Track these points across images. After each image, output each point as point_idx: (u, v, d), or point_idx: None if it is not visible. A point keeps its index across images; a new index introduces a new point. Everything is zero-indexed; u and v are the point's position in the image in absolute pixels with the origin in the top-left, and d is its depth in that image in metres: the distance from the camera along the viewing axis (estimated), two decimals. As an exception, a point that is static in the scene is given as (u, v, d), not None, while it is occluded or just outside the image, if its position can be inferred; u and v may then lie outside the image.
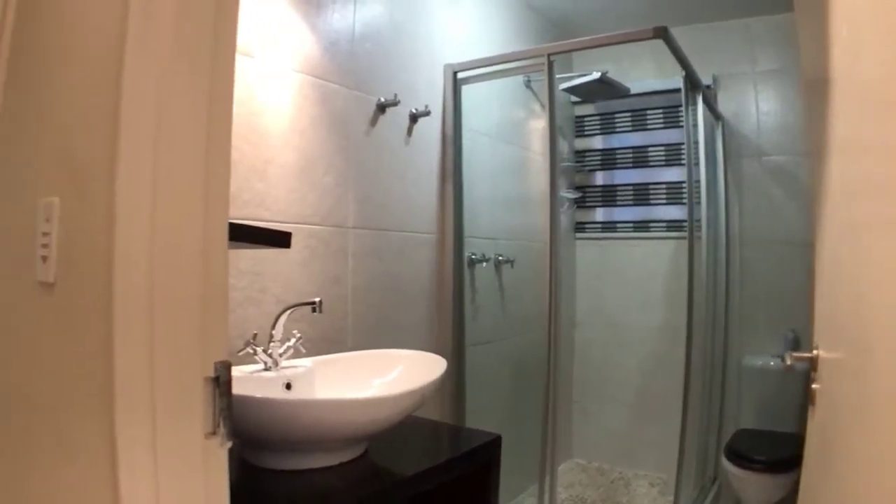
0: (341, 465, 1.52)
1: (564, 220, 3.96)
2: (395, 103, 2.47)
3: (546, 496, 2.59)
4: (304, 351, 1.83)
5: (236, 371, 0.94)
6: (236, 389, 0.96)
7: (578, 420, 4.06)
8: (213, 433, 0.91)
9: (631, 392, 3.88)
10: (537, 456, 2.61)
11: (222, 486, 0.94)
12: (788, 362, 1.39)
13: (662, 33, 2.41)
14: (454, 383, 2.84)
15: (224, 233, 0.92)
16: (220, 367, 0.91)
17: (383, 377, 1.84)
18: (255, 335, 1.72)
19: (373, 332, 2.39)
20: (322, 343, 2.14)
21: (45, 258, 1.02)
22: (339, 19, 2.28)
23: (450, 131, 2.85)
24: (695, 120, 3.01)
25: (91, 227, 0.90)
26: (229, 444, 0.93)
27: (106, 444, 0.85)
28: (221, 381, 0.91)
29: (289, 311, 1.74)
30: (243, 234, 1.34)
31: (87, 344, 0.90)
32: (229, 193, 0.94)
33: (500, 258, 3.20)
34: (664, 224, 3.80)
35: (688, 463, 2.74)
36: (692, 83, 2.86)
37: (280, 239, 1.46)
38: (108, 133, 0.87)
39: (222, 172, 0.92)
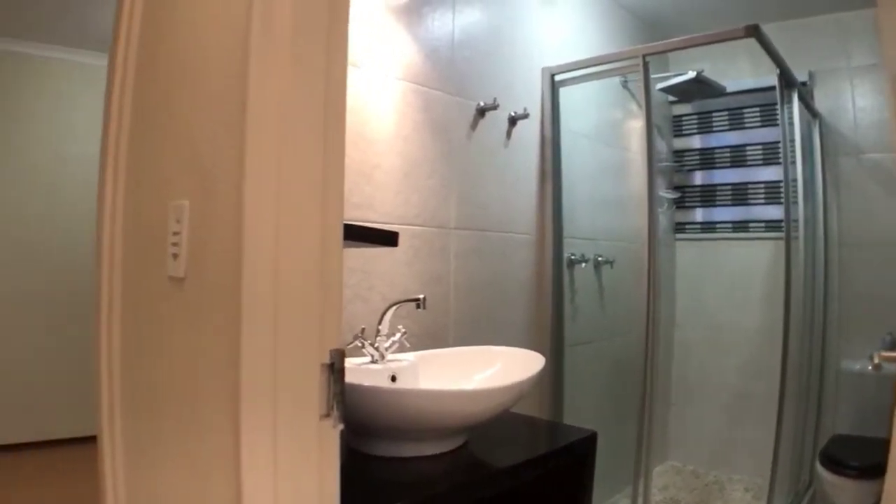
0: (442, 454, 1.58)
1: (664, 220, 3.94)
2: (494, 107, 2.54)
3: (640, 498, 2.59)
4: (408, 346, 1.92)
5: (345, 363, 1.02)
6: (345, 379, 1.04)
7: (675, 422, 4.03)
8: (327, 415, 0.99)
9: (728, 394, 3.82)
10: (632, 457, 2.62)
11: (334, 464, 1.02)
12: (876, 361, 1.38)
13: (754, 32, 2.39)
14: (552, 382, 2.88)
15: (339, 232, 1.00)
16: (334, 355, 0.99)
17: (483, 372, 1.90)
18: (363, 330, 1.82)
19: (473, 329, 2.46)
20: (425, 339, 2.22)
21: (175, 255, 1.13)
22: (439, 27, 2.36)
23: (548, 133, 2.89)
24: (790, 118, 2.97)
25: (220, 228, 1.00)
26: (341, 427, 1.01)
27: (231, 422, 0.94)
28: (335, 368, 0.99)
29: (394, 307, 1.84)
30: (355, 234, 1.42)
31: (216, 332, 1.00)
32: (344, 196, 1.02)
33: (600, 259, 3.22)
34: (763, 224, 3.74)
35: (782, 468, 2.71)
36: (786, 81, 2.82)
37: (389, 238, 1.55)
38: (234, 143, 0.96)
39: (338, 177, 1.01)
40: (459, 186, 2.42)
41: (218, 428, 0.99)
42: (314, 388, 0.97)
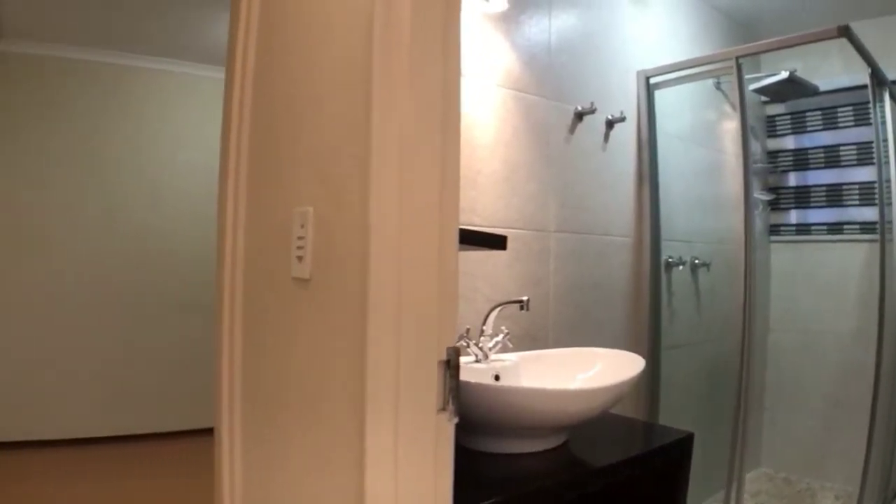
0: (544, 451, 1.62)
1: (759, 222, 3.88)
2: (591, 111, 2.56)
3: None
4: (511, 346, 1.96)
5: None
6: (455, 377, 1.09)
7: (768, 427, 3.95)
8: (444, 409, 1.05)
9: (821, 400, 3.71)
10: (724, 463, 2.60)
11: (449, 456, 1.07)
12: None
13: (845, 32, 2.36)
14: (648, 384, 2.88)
15: (455, 236, 1.06)
16: (451, 352, 1.04)
17: (585, 373, 1.93)
18: (468, 330, 1.88)
19: (572, 330, 2.49)
20: (525, 340, 2.26)
21: (300, 258, 1.20)
22: (536, 34, 2.39)
23: (645, 136, 2.90)
24: (883, 117, 2.88)
25: (345, 233, 1.07)
26: (456, 420, 1.06)
27: (355, 417, 1.01)
28: (451, 365, 1.04)
29: (499, 309, 1.89)
30: (467, 238, 1.48)
31: (341, 330, 1.06)
32: (459, 202, 1.08)
33: (697, 261, 3.20)
34: (857, 226, 3.63)
35: (873, 475, 2.64)
36: (878, 79, 2.75)
37: (497, 241, 1.60)
38: (359, 155, 1.02)
39: (453, 184, 1.06)
40: (558, 190, 2.46)
41: (341, 422, 1.06)
42: (433, 384, 1.03)
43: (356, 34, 1.08)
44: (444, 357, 1.04)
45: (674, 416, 2.89)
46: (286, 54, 1.40)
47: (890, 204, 2.91)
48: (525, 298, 1.85)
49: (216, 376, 1.64)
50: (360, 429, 0.99)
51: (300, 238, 1.20)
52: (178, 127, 4.77)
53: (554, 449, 1.65)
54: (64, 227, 4.47)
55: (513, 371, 1.86)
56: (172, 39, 4.35)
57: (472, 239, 1.53)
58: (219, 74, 4.49)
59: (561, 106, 2.48)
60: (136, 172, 4.66)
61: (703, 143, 3.36)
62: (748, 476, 3.70)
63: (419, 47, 1.03)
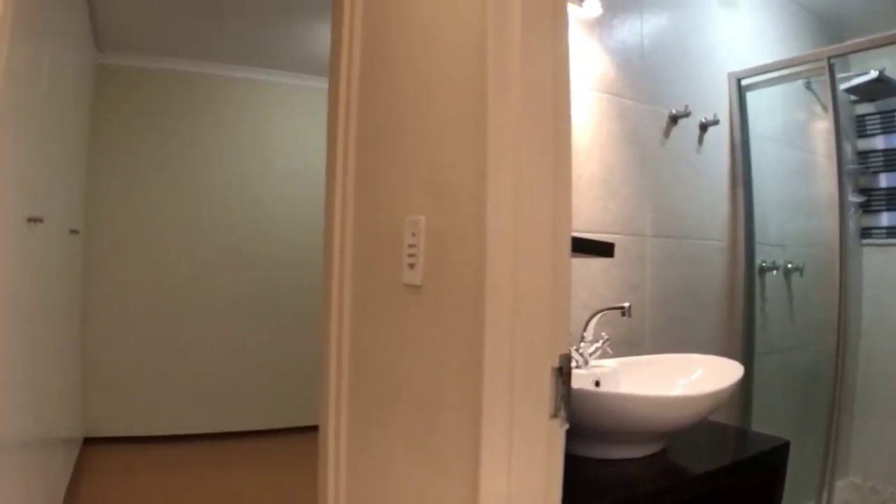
0: (644, 458, 1.62)
1: (851, 225, 3.76)
2: (686, 114, 2.54)
3: (822, 513, 2.51)
4: (610, 352, 1.96)
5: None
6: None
7: (857, 435, 3.83)
8: (555, 416, 1.06)
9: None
10: (813, 470, 2.55)
11: (559, 461, 1.08)
12: None
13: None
14: (742, 390, 2.83)
15: (568, 244, 1.07)
16: (563, 359, 1.06)
17: (685, 378, 1.91)
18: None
19: (668, 336, 2.47)
20: (621, 345, 2.25)
21: (412, 265, 1.23)
22: (629, 37, 2.39)
23: (738, 138, 2.85)
24: None
25: (459, 241, 1.09)
26: (566, 426, 1.08)
27: (469, 421, 1.03)
28: (563, 371, 1.06)
29: (599, 315, 1.89)
30: (578, 246, 1.50)
31: (455, 336, 1.09)
32: (571, 211, 1.09)
33: (790, 266, 3.13)
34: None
35: None
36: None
37: (605, 249, 1.61)
38: (474, 168, 1.05)
39: (565, 191, 1.07)
40: (654, 194, 2.44)
41: (454, 427, 1.08)
42: (546, 390, 1.04)
43: (467, 47, 1.10)
44: (556, 364, 1.05)
45: (765, 422, 2.84)
46: (391, 65, 1.44)
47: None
48: (627, 304, 1.85)
49: (322, 377, 1.68)
50: (475, 434, 1.01)
51: (411, 246, 1.24)
52: (274, 135, 4.93)
53: (653, 455, 1.65)
54: (168, 230, 4.68)
55: (612, 377, 1.86)
56: (269, 50, 4.48)
57: (582, 246, 1.55)
58: (313, 83, 4.62)
59: (655, 109, 2.46)
60: (235, 179, 4.84)
61: (795, 145, 3.29)
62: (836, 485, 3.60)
63: (530, 60, 1.05)
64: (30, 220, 2.25)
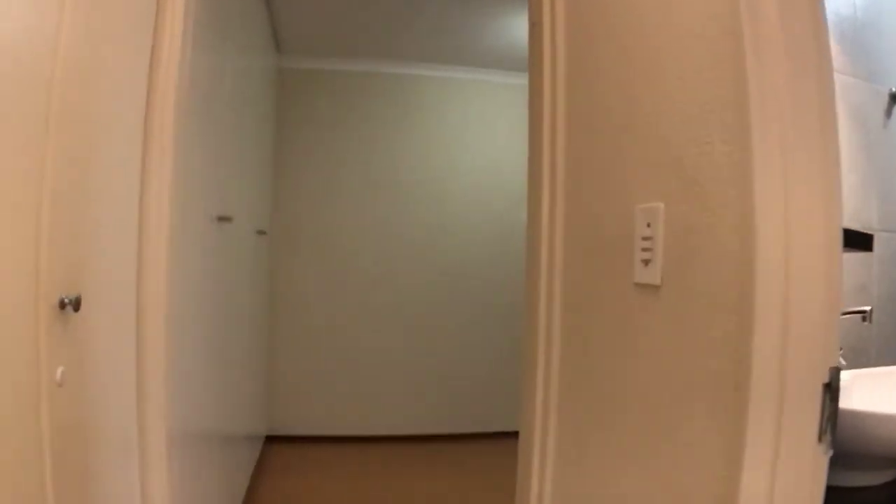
0: (882, 485, 1.45)
1: None
2: (909, 92, 2.28)
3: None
4: (843, 363, 1.77)
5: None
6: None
7: None
8: (821, 440, 0.92)
9: None
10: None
11: (820, 491, 0.94)
12: None
13: None
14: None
15: (839, 237, 0.93)
16: (832, 373, 0.92)
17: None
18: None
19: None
20: (848, 354, 2.03)
21: (646, 261, 1.11)
22: (841, 7, 2.16)
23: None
24: None
25: (713, 233, 0.96)
26: (831, 453, 0.93)
27: (724, 443, 0.92)
28: (832, 387, 0.92)
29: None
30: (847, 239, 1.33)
31: (708, 345, 0.96)
32: (842, 200, 0.95)
33: None
34: None
35: None
36: None
37: (864, 241, 1.43)
38: (731, 149, 0.93)
39: (834, 175, 0.94)
40: (880, 182, 2.19)
41: (704, 448, 0.97)
42: (815, 407, 0.91)
43: (716, 24, 0.98)
44: (826, 379, 0.91)
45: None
46: (611, 43, 1.33)
47: None
48: (868, 308, 1.65)
49: (526, 381, 1.60)
50: (734, 459, 0.90)
51: (646, 239, 1.11)
52: (459, 132, 4.89)
53: (893, 482, 1.47)
54: (353, 231, 4.74)
55: (845, 392, 1.66)
56: (451, 47, 4.45)
57: (849, 240, 1.38)
58: (499, 78, 4.55)
59: (873, 87, 2.22)
60: (420, 178, 4.84)
61: None
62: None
63: (792, 38, 0.93)
64: (219, 218, 2.31)
